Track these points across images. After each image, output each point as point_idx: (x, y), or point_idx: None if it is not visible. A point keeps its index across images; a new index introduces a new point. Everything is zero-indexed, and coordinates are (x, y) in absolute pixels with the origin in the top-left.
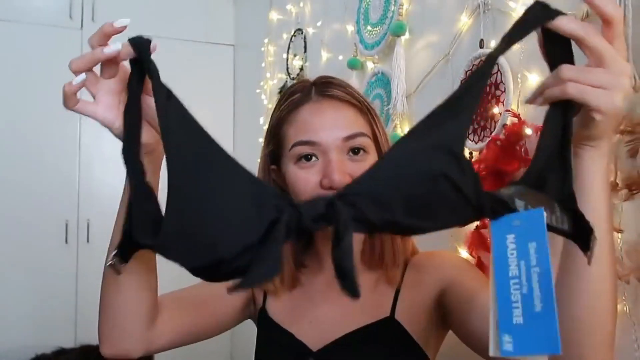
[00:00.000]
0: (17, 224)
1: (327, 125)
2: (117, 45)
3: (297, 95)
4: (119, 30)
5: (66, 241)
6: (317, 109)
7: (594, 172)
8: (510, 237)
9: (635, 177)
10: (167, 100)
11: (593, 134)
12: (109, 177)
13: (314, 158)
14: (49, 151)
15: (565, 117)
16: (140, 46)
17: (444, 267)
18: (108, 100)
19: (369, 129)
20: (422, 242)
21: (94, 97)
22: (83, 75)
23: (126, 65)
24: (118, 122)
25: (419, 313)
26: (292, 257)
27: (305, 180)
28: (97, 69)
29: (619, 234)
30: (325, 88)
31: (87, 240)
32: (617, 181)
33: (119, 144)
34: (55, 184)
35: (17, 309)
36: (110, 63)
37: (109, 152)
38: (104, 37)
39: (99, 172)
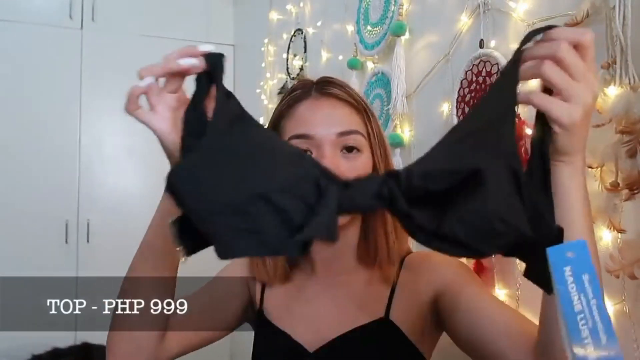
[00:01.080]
0: (17, 224)
1: (323, 121)
2: (191, 60)
3: (297, 92)
4: (200, 54)
5: (66, 241)
6: (315, 105)
7: (570, 189)
8: (568, 270)
9: (635, 177)
10: (227, 98)
11: (558, 148)
12: (109, 177)
13: (308, 152)
14: (49, 151)
15: (543, 145)
16: (215, 60)
17: (441, 270)
18: (165, 113)
19: (364, 128)
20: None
21: (152, 107)
22: (151, 79)
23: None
24: (172, 135)
25: (413, 314)
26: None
27: None
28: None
29: (620, 234)
30: (324, 86)
31: (87, 240)
32: (618, 181)
33: (119, 145)
34: (55, 184)
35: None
36: (177, 77)
37: (109, 152)
38: (184, 55)
39: (99, 172)
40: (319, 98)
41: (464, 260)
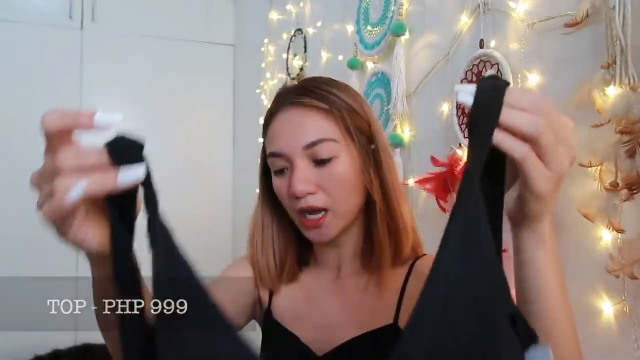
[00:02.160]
0: (17, 224)
1: (289, 135)
2: (135, 175)
3: (273, 104)
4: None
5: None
6: (284, 119)
7: (539, 262)
8: None
9: (635, 177)
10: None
11: (524, 213)
12: None
13: (285, 170)
14: None
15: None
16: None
17: None
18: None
19: (336, 132)
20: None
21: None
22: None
23: None
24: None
25: None
26: (295, 254)
27: (280, 190)
28: None
29: (619, 234)
30: (294, 96)
31: None
32: (617, 181)
33: None
34: None
35: (16, 309)
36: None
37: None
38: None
39: None
40: (289, 110)
41: None
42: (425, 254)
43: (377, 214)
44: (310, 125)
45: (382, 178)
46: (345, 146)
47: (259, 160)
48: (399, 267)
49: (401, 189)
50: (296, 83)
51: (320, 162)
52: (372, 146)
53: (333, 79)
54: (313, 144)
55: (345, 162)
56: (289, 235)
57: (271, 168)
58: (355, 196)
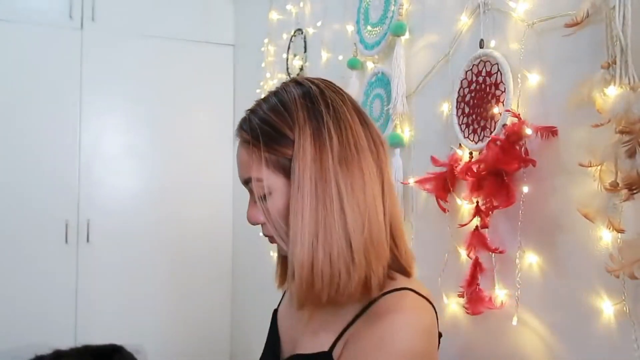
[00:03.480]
0: (17, 224)
1: (238, 171)
2: None
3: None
4: None
5: (66, 241)
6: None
7: None
8: None
9: (635, 177)
10: None
11: None
12: (109, 177)
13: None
14: (49, 151)
15: None
16: None
17: (360, 335)
18: None
19: (260, 169)
20: (424, 242)
21: None
22: None
23: None
24: None
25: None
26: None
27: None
28: None
29: (619, 234)
30: (240, 124)
31: (87, 240)
32: (617, 181)
33: (119, 144)
34: (55, 184)
35: (17, 308)
36: None
37: (109, 152)
38: None
39: (99, 172)
40: (237, 140)
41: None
42: (394, 290)
43: None
44: (242, 163)
45: (295, 215)
46: (274, 181)
47: None
48: (363, 294)
49: (317, 221)
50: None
51: (261, 197)
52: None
53: (278, 92)
54: (246, 182)
55: (279, 196)
56: None
57: None
58: (300, 221)
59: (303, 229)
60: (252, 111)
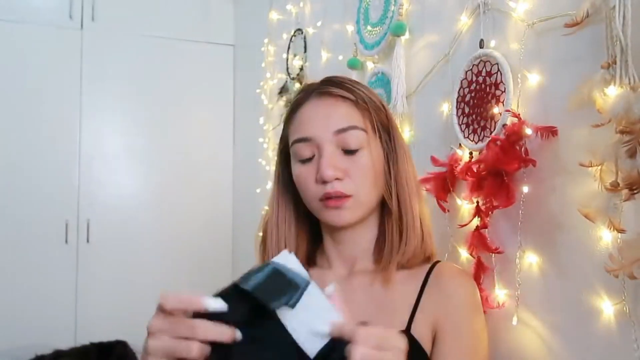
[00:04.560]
0: (17, 224)
1: (321, 121)
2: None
3: (300, 95)
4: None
5: (66, 241)
6: (314, 106)
7: None
8: None
9: (635, 176)
10: None
11: None
12: (109, 177)
13: (315, 155)
14: (49, 151)
15: None
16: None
17: (450, 303)
18: None
19: (363, 123)
20: None
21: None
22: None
23: None
24: None
25: (429, 332)
26: (305, 254)
27: (305, 177)
28: None
29: (619, 234)
30: (323, 87)
31: (87, 240)
32: (618, 181)
33: (119, 144)
34: (55, 184)
35: (17, 308)
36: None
37: (109, 152)
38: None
39: (99, 172)
40: (319, 98)
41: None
42: (439, 261)
43: (389, 211)
44: (341, 113)
45: (397, 176)
46: (371, 139)
47: (259, 159)
48: (412, 269)
49: (417, 190)
50: (313, 82)
51: (348, 152)
52: (392, 143)
53: (354, 79)
54: (343, 130)
55: (371, 154)
56: (301, 234)
57: (295, 157)
58: (376, 188)
59: (410, 190)
60: (343, 78)
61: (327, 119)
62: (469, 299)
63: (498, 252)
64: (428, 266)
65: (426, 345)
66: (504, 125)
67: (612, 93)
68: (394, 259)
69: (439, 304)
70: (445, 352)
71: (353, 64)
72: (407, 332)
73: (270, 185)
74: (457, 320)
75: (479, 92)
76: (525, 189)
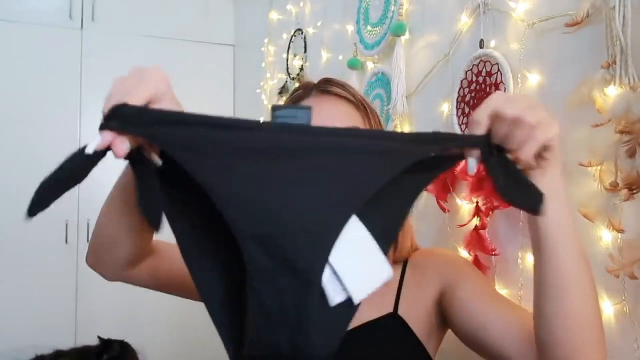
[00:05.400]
0: (17, 224)
1: (323, 118)
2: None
3: (299, 92)
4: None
5: (66, 241)
6: (315, 104)
7: (547, 185)
8: None
9: (635, 176)
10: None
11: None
12: (109, 177)
13: None
14: (48, 151)
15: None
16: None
17: (444, 267)
18: None
19: (364, 125)
20: (424, 242)
21: None
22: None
23: None
24: None
25: (420, 311)
26: None
27: None
28: None
29: (619, 234)
30: (324, 85)
31: (87, 240)
32: (617, 181)
33: None
34: None
35: (17, 308)
36: None
37: (109, 152)
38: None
39: (99, 172)
40: (320, 97)
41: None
42: (417, 249)
43: None
44: (345, 113)
45: None
46: None
47: None
48: (395, 264)
49: None
50: (309, 81)
51: None
52: None
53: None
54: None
55: None
56: None
57: None
58: None
59: None
60: (341, 81)
61: (329, 118)
62: (452, 253)
63: (495, 254)
64: (405, 258)
65: (412, 323)
66: None
67: (612, 93)
68: (397, 256)
69: (426, 274)
70: (462, 288)
71: (353, 64)
72: (394, 312)
73: None
74: (454, 268)
75: (479, 92)
76: None
